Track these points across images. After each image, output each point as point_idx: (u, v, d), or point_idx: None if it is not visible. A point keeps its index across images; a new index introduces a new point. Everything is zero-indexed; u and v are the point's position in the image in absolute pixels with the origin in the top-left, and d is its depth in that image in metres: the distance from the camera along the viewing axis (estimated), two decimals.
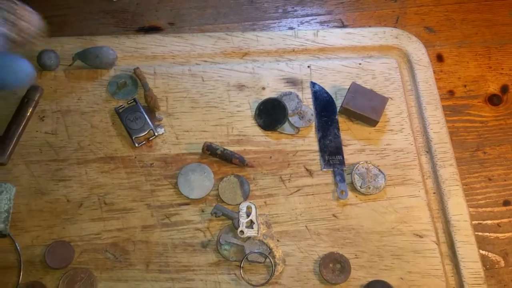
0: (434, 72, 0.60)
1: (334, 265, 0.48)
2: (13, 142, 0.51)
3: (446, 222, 0.50)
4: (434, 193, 0.52)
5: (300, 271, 0.48)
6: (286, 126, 0.54)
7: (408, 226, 0.49)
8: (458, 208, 0.50)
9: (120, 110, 0.53)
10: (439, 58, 0.61)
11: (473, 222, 0.53)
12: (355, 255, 0.48)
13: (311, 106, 0.55)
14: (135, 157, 0.52)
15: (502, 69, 0.61)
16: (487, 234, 0.53)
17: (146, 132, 0.52)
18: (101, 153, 0.52)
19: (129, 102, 0.53)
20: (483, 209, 0.54)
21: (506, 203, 0.54)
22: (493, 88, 0.60)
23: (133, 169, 0.51)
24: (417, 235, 0.49)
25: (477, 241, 0.52)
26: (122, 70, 0.56)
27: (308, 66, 0.57)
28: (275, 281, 0.47)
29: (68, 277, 0.47)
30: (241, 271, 0.47)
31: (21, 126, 0.52)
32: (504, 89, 0.60)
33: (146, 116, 0.52)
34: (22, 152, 0.51)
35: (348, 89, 0.54)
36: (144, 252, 0.48)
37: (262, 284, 0.47)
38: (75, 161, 0.51)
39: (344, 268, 0.47)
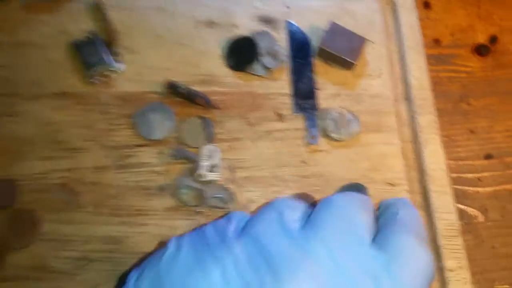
0: (420, 20, 0.56)
1: None
2: None
3: (421, 171, 0.47)
4: (410, 141, 0.48)
5: None
6: (258, 67, 0.50)
7: (380, 175, 0.46)
8: (435, 157, 0.47)
9: (77, 44, 0.49)
10: (426, 5, 0.57)
11: (453, 175, 0.50)
12: None
13: (286, 47, 0.51)
14: (91, 94, 0.48)
15: (492, 19, 0.57)
16: (467, 188, 0.50)
17: (104, 68, 0.48)
18: (55, 88, 0.48)
19: (86, 36, 0.49)
20: (464, 162, 0.51)
21: (488, 156, 0.51)
22: (481, 38, 0.56)
23: (88, 107, 0.47)
24: (389, 183, 0.46)
25: (456, 195, 0.49)
26: (81, 1, 0.51)
27: (287, 7, 0.53)
28: None
29: (11, 217, 0.43)
30: (200, 216, 0.44)
31: None
32: (493, 39, 0.56)
33: (104, 50, 0.48)
34: None
35: (326, 29, 0.50)
36: (96, 194, 0.44)
37: None
38: (27, 96, 0.47)
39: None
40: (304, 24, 0.52)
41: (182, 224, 0.44)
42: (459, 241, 0.44)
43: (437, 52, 0.55)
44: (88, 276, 0.42)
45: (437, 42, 0.56)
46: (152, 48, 0.50)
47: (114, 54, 0.49)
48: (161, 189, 0.45)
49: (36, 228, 0.43)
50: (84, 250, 0.42)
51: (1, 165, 0.45)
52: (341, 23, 0.52)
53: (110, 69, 0.48)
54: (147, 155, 0.46)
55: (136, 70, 0.49)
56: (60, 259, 0.42)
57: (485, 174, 0.50)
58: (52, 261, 0.42)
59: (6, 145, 0.45)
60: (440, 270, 0.44)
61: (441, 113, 0.52)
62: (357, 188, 0.45)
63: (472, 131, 0.52)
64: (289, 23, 0.52)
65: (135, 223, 0.44)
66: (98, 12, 0.51)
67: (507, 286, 0.46)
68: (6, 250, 0.42)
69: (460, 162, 0.51)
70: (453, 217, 0.45)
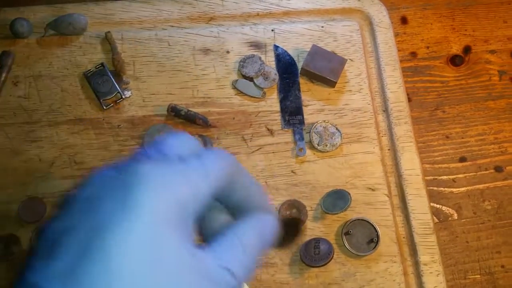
0: (398, 35, 0.61)
1: (291, 210, 0.50)
2: None
3: (399, 176, 0.52)
4: (388, 149, 0.54)
5: None
6: (253, 88, 0.56)
7: (361, 180, 0.52)
8: (411, 163, 0.52)
9: (89, 74, 0.55)
10: (403, 20, 0.62)
11: (429, 177, 0.55)
12: (311, 207, 0.51)
13: (274, 68, 0.57)
14: (103, 119, 0.54)
15: (466, 30, 0.62)
16: (442, 189, 0.55)
17: (114, 95, 0.54)
18: (71, 115, 0.54)
19: (97, 67, 0.55)
20: (439, 165, 0.56)
21: (462, 159, 0.56)
22: (455, 49, 0.61)
23: (102, 130, 0.54)
24: (370, 188, 0.51)
25: (432, 195, 0.54)
26: (91, 36, 0.58)
27: (272, 30, 0.58)
28: None
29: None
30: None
31: None
32: (466, 49, 0.61)
33: (113, 79, 0.55)
34: None
35: (308, 51, 0.55)
36: None
37: None
38: (47, 123, 0.54)
39: (300, 211, 0.50)
40: (288, 46, 0.58)
41: None
42: (433, 238, 0.50)
43: (413, 64, 0.60)
44: None
45: (413, 55, 0.61)
46: (155, 76, 0.56)
47: (123, 82, 0.55)
48: None
49: None
50: None
51: (29, 185, 0.52)
52: (323, 44, 0.57)
53: (120, 96, 0.55)
54: None
55: (142, 96, 0.55)
56: None
57: (459, 175, 0.56)
58: None
59: (32, 167, 0.52)
60: (415, 264, 0.49)
61: (418, 121, 0.57)
62: (341, 194, 0.50)
63: (447, 137, 0.57)
64: (276, 47, 0.58)
65: None
66: (107, 44, 0.57)
67: (478, 276, 0.51)
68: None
69: (436, 166, 0.56)
70: (428, 217, 0.51)
